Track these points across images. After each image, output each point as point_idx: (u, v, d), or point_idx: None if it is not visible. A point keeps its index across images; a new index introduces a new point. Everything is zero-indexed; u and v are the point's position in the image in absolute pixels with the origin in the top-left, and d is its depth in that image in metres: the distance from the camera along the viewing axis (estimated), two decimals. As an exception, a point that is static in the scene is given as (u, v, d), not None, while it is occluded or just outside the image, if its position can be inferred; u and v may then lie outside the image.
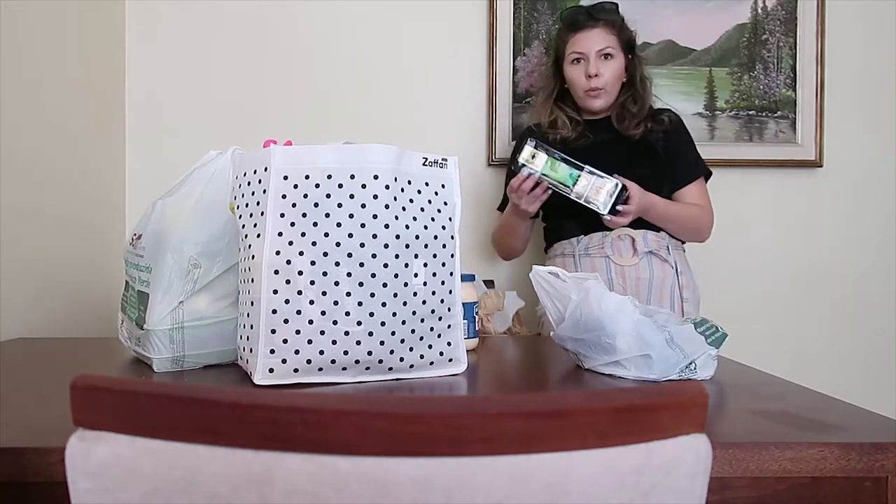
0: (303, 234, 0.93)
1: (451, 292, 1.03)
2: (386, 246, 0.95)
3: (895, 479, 0.73)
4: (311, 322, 0.93)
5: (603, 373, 1.05)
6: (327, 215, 0.94)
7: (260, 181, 0.96)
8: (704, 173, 1.81)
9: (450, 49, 2.16)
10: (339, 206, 0.94)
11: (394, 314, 0.96)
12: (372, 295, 0.95)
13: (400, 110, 2.16)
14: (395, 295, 0.96)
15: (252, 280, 0.96)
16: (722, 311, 2.16)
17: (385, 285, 0.95)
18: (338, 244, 0.93)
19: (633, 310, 1.03)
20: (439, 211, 1.03)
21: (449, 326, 1.04)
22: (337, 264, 0.93)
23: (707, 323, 1.06)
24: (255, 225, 0.96)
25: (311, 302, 0.93)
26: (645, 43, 2.13)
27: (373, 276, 0.94)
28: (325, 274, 0.93)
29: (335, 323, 0.94)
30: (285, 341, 0.93)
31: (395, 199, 0.97)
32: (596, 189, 1.56)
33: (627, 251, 1.71)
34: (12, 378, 1.07)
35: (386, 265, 0.95)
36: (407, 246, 0.97)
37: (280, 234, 0.94)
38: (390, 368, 0.99)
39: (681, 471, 0.49)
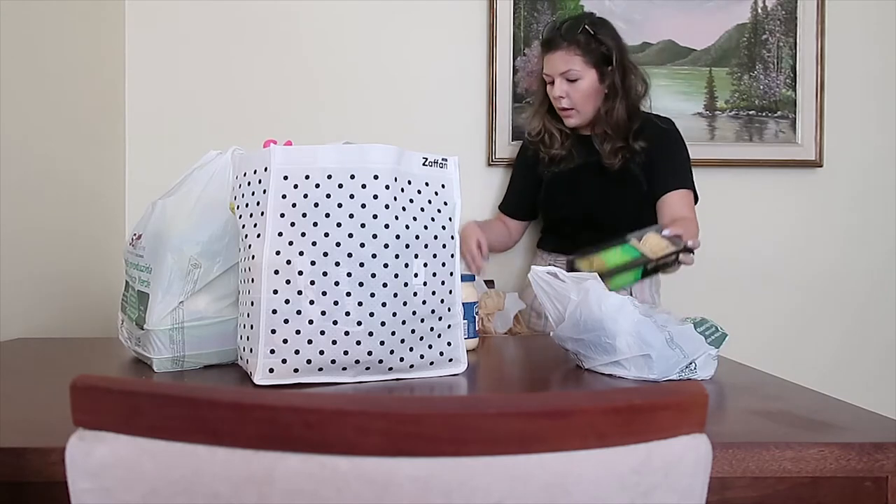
0: (303, 234, 0.93)
1: (451, 292, 1.03)
2: (386, 246, 0.95)
3: (895, 479, 0.73)
4: (311, 322, 0.93)
5: (603, 373, 1.04)
6: (327, 215, 0.94)
7: (260, 181, 0.96)
8: (686, 187, 1.75)
9: (450, 49, 2.16)
10: (340, 206, 0.94)
11: (394, 314, 0.96)
12: (372, 295, 0.95)
13: (400, 110, 2.16)
14: (395, 295, 0.96)
15: (252, 280, 0.96)
16: (721, 311, 2.16)
17: (385, 285, 0.95)
18: (338, 244, 0.93)
19: (633, 310, 1.03)
20: (439, 211, 1.03)
21: (449, 326, 1.04)
22: (337, 264, 0.93)
23: (707, 323, 1.06)
24: (255, 225, 0.96)
25: (312, 302, 0.93)
26: (645, 43, 2.13)
27: (373, 276, 0.94)
28: (325, 274, 0.93)
29: (335, 323, 0.94)
30: (285, 341, 0.93)
31: (395, 199, 0.97)
32: (656, 245, 1.45)
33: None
34: (12, 378, 1.07)
35: (386, 265, 0.95)
36: (407, 246, 0.97)
37: (280, 234, 0.94)
38: (390, 368, 0.99)
39: (681, 471, 0.49)
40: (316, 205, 0.94)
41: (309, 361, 0.94)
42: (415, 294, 0.98)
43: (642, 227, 1.69)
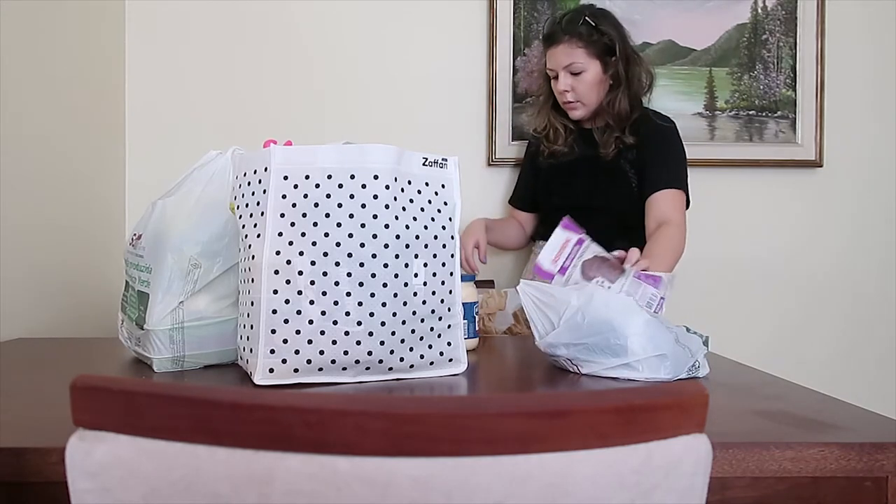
0: (303, 234, 0.93)
1: (451, 292, 1.03)
2: (386, 246, 0.95)
3: (895, 479, 0.73)
4: (311, 322, 0.93)
5: (607, 377, 1.01)
6: (327, 215, 0.94)
7: (260, 181, 0.96)
8: (676, 187, 1.71)
9: (450, 49, 2.16)
10: (340, 206, 0.94)
11: (394, 314, 0.96)
12: (372, 295, 0.95)
13: (400, 110, 2.16)
14: (395, 295, 0.96)
15: (252, 280, 0.96)
16: (721, 310, 2.17)
17: (385, 285, 0.95)
18: (338, 244, 0.93)
19: (641, 310, 1.01)
20: (439, 211, 1.03)
21: (449, 326, 1.04)
22: (337, 264, 0.93)
23: (684, 326, 1.06)
24: (255, 225, 0.96)
25: (312, 302, 0.93)
26: (645, 43, 2.12)
27: (373, 276, 0.94)
28: (325, 274, 0.93)
29: (335, 323, 0.94)
30: (285, 341, 0.93)
31: (395, 199, 0.97)
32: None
33: None
34: (12, 378, 1.07)
35: (386, 265, 0.95)
36: (407, 246, 0.97)
37: (280, 234, 0.94)
38: (390, 368, 0.99)
39: (681, 471, 0.49)
40: (316, 205, 0.94)
41: (309, 361, 0.94)
42: (415, 294, 0.98)
43: (631, 220, 1.74)
